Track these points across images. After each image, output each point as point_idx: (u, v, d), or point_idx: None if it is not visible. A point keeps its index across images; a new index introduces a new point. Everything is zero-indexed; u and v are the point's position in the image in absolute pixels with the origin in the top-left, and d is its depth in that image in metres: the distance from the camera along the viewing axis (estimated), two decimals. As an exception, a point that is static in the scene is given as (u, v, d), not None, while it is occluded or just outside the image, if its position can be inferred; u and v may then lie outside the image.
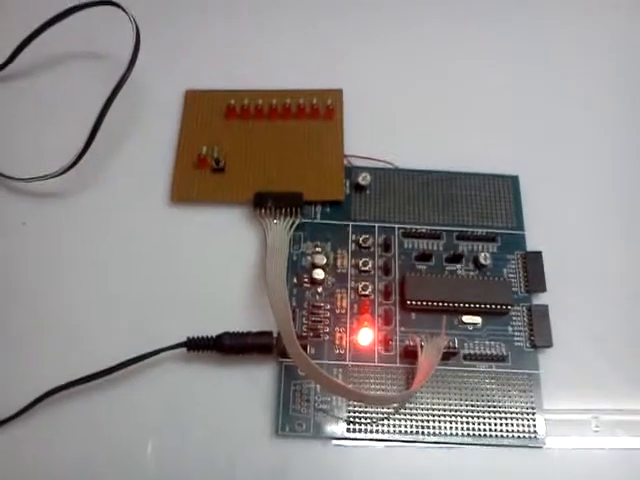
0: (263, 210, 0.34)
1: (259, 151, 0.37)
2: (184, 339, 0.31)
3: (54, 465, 0.30)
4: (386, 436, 0.30)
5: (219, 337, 0.31)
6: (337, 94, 0.39)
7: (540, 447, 0.31)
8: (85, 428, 0.31)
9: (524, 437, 0.31)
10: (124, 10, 0.36)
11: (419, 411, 0.31)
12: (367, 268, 0.33)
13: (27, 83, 0.40)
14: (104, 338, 0.32)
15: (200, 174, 0.36)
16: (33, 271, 0.34)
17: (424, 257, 0.34)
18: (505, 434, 0.31)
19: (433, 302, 0.32)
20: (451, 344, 0.32)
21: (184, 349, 0.31)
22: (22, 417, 0.30)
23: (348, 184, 0.36)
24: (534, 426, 0.31)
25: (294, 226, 0.34)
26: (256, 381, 0.31)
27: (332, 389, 0.30)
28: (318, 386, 0.31)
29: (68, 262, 0.34)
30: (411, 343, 0.31)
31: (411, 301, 0.32)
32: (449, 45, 0.42)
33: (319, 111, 0.38)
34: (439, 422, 0.31)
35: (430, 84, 0.40)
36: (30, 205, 0.36)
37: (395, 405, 0.31)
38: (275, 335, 0.31)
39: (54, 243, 0.35)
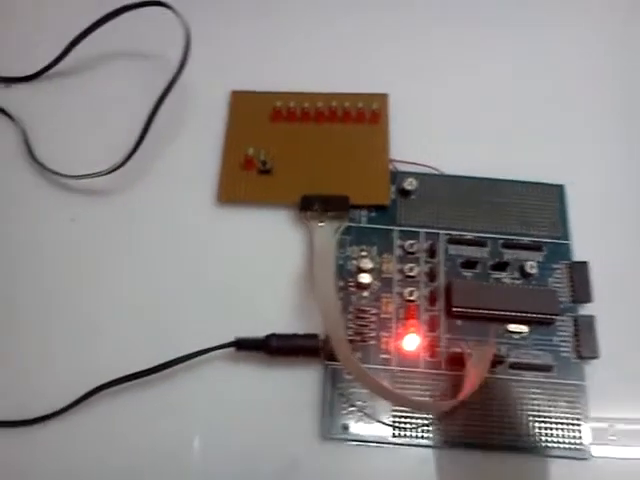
0: (309, 213, 0.34)
1: (305, 154, 0.37)
2: (229, 340, 0.31)
3: (100, 459, 0.30)
4: (431, 442, 0.30)
5: (267, 338, 0.31)
6: (383, 98, 0.39)
7: (585, 458, 0.30)
8: (132, 424, 0.31)
9: (569, 448, 0.30)
10: (174, 11, 0.36)
11: (464, 418, 0.31)
12: (413, 273, 0.33)
13: (77, 81, 0.40)
14: (151, 336, 0.33)
15: (247, 175, 0.36)
16: (81, 267, 0.35)
17: (470, 264, 0.34)
18: (550, 444, 0.30)
19: (479, 309, 0.32)
20: (498, 352, 0.31)
21: (232, 349, 0.31)
22: (71, 411, 0.31)
23: (394, 189, 0.36)
24: (580, 437, 0.31)
25: (340, 229, 0.34)
26: (302, 383, 0.32)
27: (381, 394, 0.30)
28: (364, 390, 0.31)
29: (115, 259, 0.35)
30: (458, 350, 0.31)
31: (457, 308, 0.32)
32: (497, 51, 0.41)
33: (365, 115, 0.38)
34: (483, 430, 0.30)
35: (477, 90, 0.40)
36: (79, 202, 0.36)
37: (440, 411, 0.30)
38: (322, 338, 0.31)
39: (102, 240, 0.35)
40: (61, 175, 0.36)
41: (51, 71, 0.40)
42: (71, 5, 0.43)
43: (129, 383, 0.30)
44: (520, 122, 0.39)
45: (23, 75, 0.40)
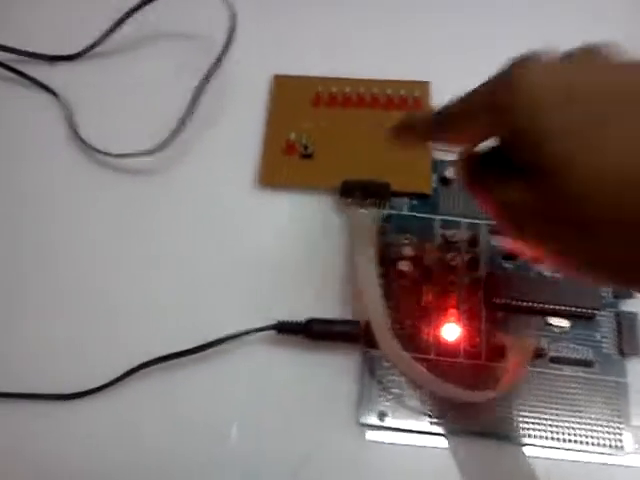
0: (350, 199, 0.34)
1: (347, 139, 0.37)
2: (269, 322, 0.31)
3: (140, 434, 0.31)
4: (467, 432, 0.30)
5: (308, 322, 0.31)
6: (425, 86, 0.39)
7: (621, 455, 0.30)
8: (173, 402, 0.31)
9: (608, 445, 0.30)
10: (220, -8, 0.36)
11: (502, 410, 0.30)
12: (454, 263, 0.33)
13: (121, 60, 0.40)
14: (192, 316, 0.33)
15: (288, 159, 0.36)
16: (124, 246, 0.35)
17: (511, 256, 0.34)
18: (589, 440, 0.30)
19: (520, 301, 0.32)
20: (539, 345, 0.31)
21: (273, 332, 0.31)
22: (114, 387, 0.31)
23: (435, 177, 0.36)
24: (619, 434, 0.30)
25: (380, 216, 0.34)
26: (340, 369, 0.32)
27: (422, 381, 0.30)
28: (402, 378, 0.30)
29: (158, 238, 0.35)
30: (498, 342, 0.31)
31: (498, 299, 0.32)
32: (542, 39, 0.41)
33: (407, 102, 0.38)
34: (522, 422, 0.30)
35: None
36: (122, 180, 0.37)
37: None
38: (362, 325, 0.31)
39: (144, 218, 0.36)
40: (104, 153, 0.36)
41: (96, 50, 0.40)
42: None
43: (171, 362, 0.31)
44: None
45: (68, 54, 0.40)
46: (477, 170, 0.24)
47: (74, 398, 0.31)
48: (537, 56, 0.22)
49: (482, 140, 0.24)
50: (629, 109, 0.19)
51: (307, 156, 0.36)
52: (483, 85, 0.23)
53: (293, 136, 0.37)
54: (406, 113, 0.29)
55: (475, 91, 0.23)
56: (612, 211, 0.19)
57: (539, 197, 0.21)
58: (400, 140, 0.28)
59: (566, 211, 0.20)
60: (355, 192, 0.34)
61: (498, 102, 0.22)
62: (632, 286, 0.23)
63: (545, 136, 0.20)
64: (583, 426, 0.30)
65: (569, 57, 0.22)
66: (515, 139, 0.21)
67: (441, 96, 0.37)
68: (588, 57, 0.21)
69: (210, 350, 0.30)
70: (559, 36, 0.40)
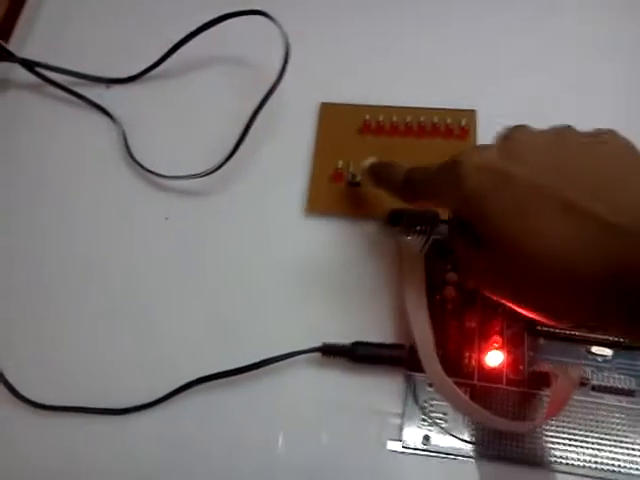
0: (398, 227, 0.35)
1: (393, 167, 0.38)
2: (315, 345, 0.32)
3: (190, 447, 0.32)
4: (511, 458, 0.30)
5: (353, 345, 0.32)
6: (471, 114, 0.39)
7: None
8: (220, 419, 0.32)
9: (651, 475, 0.30)
10: (274, 21, 0.37)
11: (544, 438, 0.31)
12: (498, 290, 0.33)
13: (175, 84, 0.42)
14: (241, 337, 0.34)
15: (335, 188, 0.37)
16: (175, 266, 0.36)
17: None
18: (631, 471, 0.30)
19: (563, 329, 0.32)
20: (583, 374, 0.31)
21: (318, 354, 0.32)
22: (163, 404, 0.32)
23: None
24: (662, 465, 0.30)
25: (427, 245, 0.34)
26: (383, 391, 0.32)
27: (465, 410, 0.30)
28: (445, 402, 0.31)
29: (207, 259, 0.36)
30: (543, 370, 0.31)
31: (541, 326, 0.32)
32: (590, 68, 0.41)
33: (453, 131, 0.39)
34: (564, 451, 0.30)
35: (565, 106, 0.39)
36: (173, 201, 0.38)
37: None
38: (406, 348, 0.31)
39: (193, 239, 0.37)
40: (157, 174, 0.38)
41: (152, 73, 0.41)
42: (172, 11, 0.44)
43: (220, 380, 0.32)
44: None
45: (124, 76, 0.42)
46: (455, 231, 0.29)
47: (127, 413, 0.32)
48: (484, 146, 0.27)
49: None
50: (544, 206, 0.23)
51: (354, 184, 0.37)
52: (439, 170, 0.28)
53: (340, 164, 0.37)
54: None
55: (431, 174, 0.28)
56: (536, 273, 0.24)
57: (486, 257, 0.26)
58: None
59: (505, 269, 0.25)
60: (403, 221, 0.35)
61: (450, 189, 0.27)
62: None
63: (486, 217, 0.25)
64: (625, 456, 0.30)
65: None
66: (469, 218, 0.26)
67: (487, 124, 0.38)
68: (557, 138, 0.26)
69: (257, 370, 0.31)
70: (603, 66, 0.41)
